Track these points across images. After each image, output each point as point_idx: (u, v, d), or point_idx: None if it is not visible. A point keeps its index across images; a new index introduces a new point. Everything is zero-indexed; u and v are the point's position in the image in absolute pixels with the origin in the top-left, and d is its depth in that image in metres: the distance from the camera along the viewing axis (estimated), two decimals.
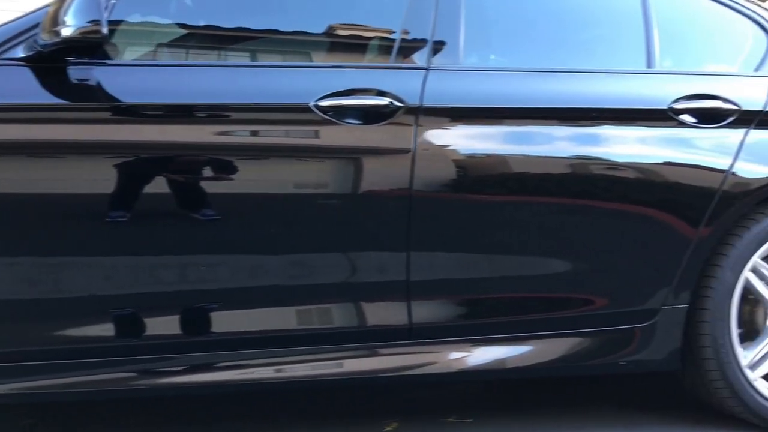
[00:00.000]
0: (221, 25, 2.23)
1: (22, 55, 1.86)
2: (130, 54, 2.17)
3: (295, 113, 1.99)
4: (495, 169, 2.12)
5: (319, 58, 2.32)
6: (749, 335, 2.35)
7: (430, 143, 2.04)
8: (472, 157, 2.11)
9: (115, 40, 1.98)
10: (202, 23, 2.24)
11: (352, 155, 2.03)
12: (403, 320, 2.06)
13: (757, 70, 2.43)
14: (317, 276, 2.03)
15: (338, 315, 2.09)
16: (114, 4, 1.92)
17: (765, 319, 2.33)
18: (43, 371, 1.87)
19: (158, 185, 1.91)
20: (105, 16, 1.76)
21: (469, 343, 2.14)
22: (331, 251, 2.03)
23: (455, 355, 2.14)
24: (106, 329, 1.94)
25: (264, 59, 2.35)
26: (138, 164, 1.92)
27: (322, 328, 2.08)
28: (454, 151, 2.08)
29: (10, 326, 1.85)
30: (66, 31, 1.74)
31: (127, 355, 1.93)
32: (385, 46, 2.26)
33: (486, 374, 2.21)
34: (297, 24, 2.27)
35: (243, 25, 2.24)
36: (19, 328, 1.86)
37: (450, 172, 2.07)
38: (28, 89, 1.85)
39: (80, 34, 1.75)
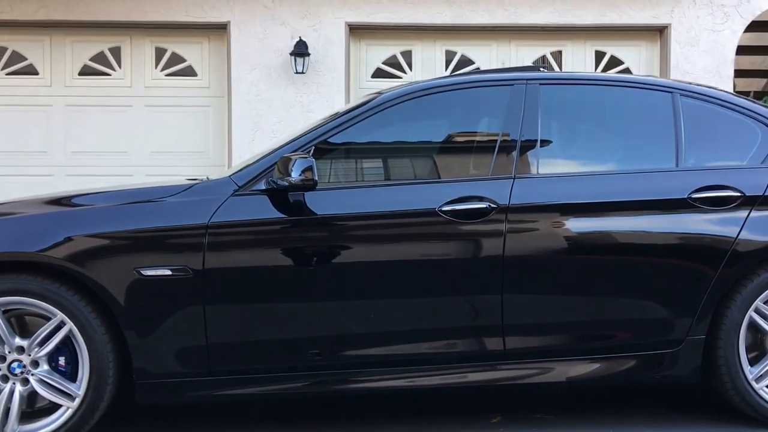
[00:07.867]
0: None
1: (264, 187, 3.04)
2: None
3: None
4: (573, 240, 3.14)
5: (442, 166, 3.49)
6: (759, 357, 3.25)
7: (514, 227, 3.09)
8: (551, 233, 3.13)
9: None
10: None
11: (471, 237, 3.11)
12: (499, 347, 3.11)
13: (763, 162, 3.32)
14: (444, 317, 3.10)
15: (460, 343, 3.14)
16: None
17: None
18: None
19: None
20: (315, 171, 2.91)
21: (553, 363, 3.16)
22: (454, 296, 3.10)
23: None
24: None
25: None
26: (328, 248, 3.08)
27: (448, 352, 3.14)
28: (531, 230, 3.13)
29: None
30: (291, 180, 2.91)
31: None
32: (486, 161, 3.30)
33: (563, 384, 3.20)
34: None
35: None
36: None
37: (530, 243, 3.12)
38: (268, 209, 3.03)
39: (301, 182, 2.91)
